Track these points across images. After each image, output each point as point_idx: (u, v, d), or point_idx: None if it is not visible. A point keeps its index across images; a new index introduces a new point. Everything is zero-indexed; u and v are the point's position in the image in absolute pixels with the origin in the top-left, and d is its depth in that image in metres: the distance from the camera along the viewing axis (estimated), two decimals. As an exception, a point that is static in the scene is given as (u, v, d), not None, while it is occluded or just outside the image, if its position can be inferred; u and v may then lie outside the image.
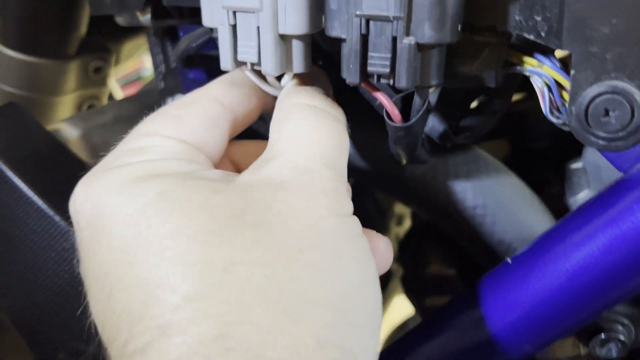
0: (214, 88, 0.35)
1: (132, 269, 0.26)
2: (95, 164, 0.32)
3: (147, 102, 0.54)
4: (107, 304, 0.26)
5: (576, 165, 0.45)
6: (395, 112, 0.32)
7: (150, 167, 0.29)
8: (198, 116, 0.33)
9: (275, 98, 0.37)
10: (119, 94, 0.74)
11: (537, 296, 0.32)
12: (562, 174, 0.47)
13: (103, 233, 0.27)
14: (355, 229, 0.28)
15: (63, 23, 0.56)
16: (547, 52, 0.35)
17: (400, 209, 0.66)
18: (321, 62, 0.38)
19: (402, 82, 0.30)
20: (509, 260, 0.33)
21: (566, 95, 0.34)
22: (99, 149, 0.50)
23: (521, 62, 0.34)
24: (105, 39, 0.61)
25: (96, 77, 0.61)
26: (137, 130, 0.33)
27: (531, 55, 0.34)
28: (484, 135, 0.42)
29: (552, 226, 0.33)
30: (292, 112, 0.32)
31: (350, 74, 0.31)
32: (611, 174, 0.41)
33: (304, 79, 0.35)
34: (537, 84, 0.34)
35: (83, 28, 0.57)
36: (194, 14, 0.46)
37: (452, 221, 0.43)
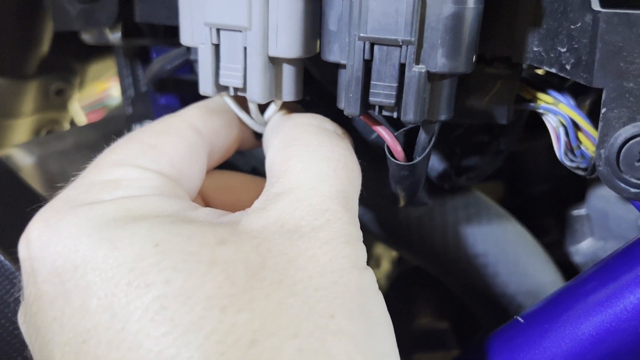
0: (191, 114, 0.30)
1: (124, 338, 0.21)
2: (51, 196, 0.26)
3: (112, 128, 0.49)
4: None
5: (579, 211, 0.42)
6: (397, 149, 0.29)
7: (129, 205, 0.24)
8: (175, 145, 0.28)
9: (254, 132, 0.33)
10: (82, 119, 0.69)
11: (555, 362, 0.28)
12: (561, 220, 0.44)
13: (76, 290, 0.22)
14: (375, 284, 0.24)
15: (22, 39, 0.51)
16: (561, 88, 0.32)
17: (380, 250, 0.62)
18: (309, 97, 0.33)
19: (410, 115, 0.26)
20: (521, 319, 0.29)
21: (582, 137, 0.31)
22: (56, 179, 0.45)
23: (534, 99, 0.31)
24: (69, 59, 0.56)
25: (57, 99, 0.56)
26: (105, 158, 0.28)
27: (544, 91, 0.31)
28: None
29: (570, 281, 0.30)
30: (302, 136, 0.28)
31: (349, 105, 0.27)
32: (621, 223, 0.38)
33: (288, 107, 0.31)
34: (552, 123, 0.31)
35: (45, 45, 0.52)
36: (169, 33, 0.42)
37: (448, 270, 0.39)
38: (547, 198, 0.45)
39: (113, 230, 0.23)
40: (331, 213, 0.25)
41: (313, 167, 0.26)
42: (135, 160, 0.27)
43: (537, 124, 0.38)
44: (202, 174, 0.30)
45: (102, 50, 0.57)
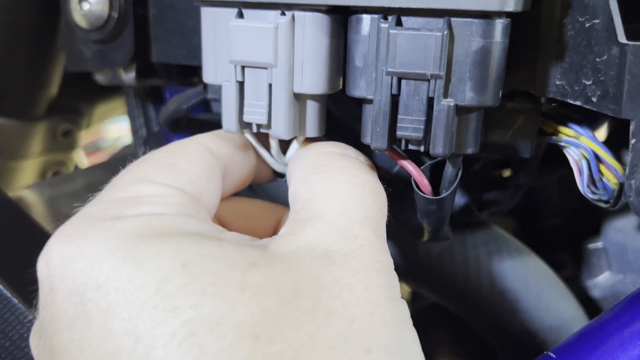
0: (204, 137, 0.30)
1: None
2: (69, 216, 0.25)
3: (121, 169, 0.49)
4: None
5: (595, 245, 0.42)
6: (425, 183, 0.28)
7: (154, 222, 0.23)
8: (192, 163, 0.28)
9: (269, 167, 0.33)
10: (84, 161, 0.68)
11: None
12: (577, 254, 0.44)
13: (98, 311, 0.21)
14: (409, 317, 0.23)
15: (32, 81, 0.51)
16: (581, 121, 0.32)
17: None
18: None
19: (439, 149, 0.26)
20: (552, 354, 0.29)
21: (604, 169, 0.31)
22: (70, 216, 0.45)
23: (556, 132, 0.31)
24: (77, 100, 0.56)
25: (64, 140, 0.56)
26: (123, 177, 0.27)
27: (565, 124, 0.31)
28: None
29: (602, 315, 0.29)
30: (325, 163, 0.27)
31: (377, 139, 0.27)
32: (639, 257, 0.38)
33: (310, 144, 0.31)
34: (574, 156, 0.31)
35: (54, 87, 0.52)
36: (183, 74, 0.42)
37: (470, 306, 0.39)
38: (562, 232, 0.45)
39: (138, 248, 0.22)
40: (362, 238, 0.24)
41: (338, 193, 0.25)
42: (154, 178, 0.26)
43: (549, 157, 0.39)
44: (219, 194, 0.29)
45: (109, 91, 0.57)
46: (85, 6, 0.38)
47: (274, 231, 0.33)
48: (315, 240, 0.23)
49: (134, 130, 0.46)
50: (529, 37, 0.29)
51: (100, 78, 0.42)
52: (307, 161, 0.28)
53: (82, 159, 0.68)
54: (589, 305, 0.43)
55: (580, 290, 0.44)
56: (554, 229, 0.45)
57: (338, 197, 0.25)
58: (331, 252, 0.23)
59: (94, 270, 0.22)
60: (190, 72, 0.42)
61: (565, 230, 0.45)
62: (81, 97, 0.57)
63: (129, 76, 0.41)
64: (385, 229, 0.26)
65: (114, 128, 1.14)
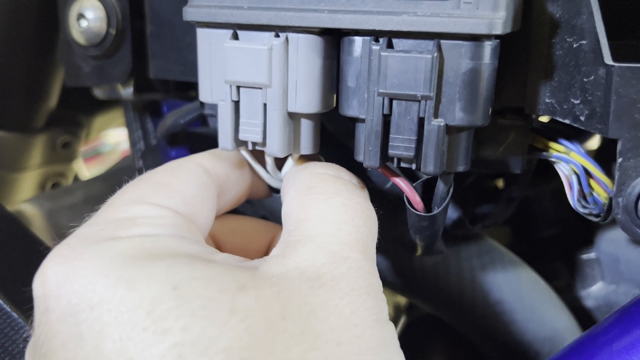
0: (199, 156, 0.30)
1: None
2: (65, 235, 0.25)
3: (119, 181, 0.49)
4: None
5: (588, 255, 0.42)
6: (417, 200, 0.29)
7: (147, 244, 0.24)
8: (187, 184, 0.28)
9: (265, 183, 0.34)
10: (84, 171, 0.69)
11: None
12: (571, 264, 0.44)
13: (91, 331, 0.21)
14: (396, 339, 0.24)
15: (31, 94, 0.51)
16: (571, 137, 0.32)
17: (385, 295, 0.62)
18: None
19: (430, 167, 0.27)
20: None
21: (594, 184, 0.32)
22: (67, 233, 0.45)
23: (546, 148, 0.32)
24: (76, 112, 0.57)
25: (64, 152, 0.57)
26: (119, 197, 0.27)
27: (555, 140, 0.32)
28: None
29: (592, 329, 0.30)
30: (319, 185, 0.28)
31: (369, 157, 0.28)
32: (633, 267, 0.38)
33: (305, 161, 0.32)
34: (564, 171, 0.32)
35: (53, 99, 0.53)
36: (181, 88, 0.43)
37: (465, 318, 0.39)
38: (556, 242, 0.46)
39: (131, 269, 0.22)
40: (352, 261, 0.24)
41: (330, 215, 0.26)
42: (149, 198, 0.27)
43: (543, 169, 0.39)
44: (213, 214, 0.30)
45: (108, 102, 0.57)
46: (83, 23, 0.39)
47: (268, 249, 0.34)
48: (306, 263, 0.24)
49: (132, 143, 0.46)
50: (519, 56, 0.29)
51: (99, 93, 0.43)
52: (301, 182, 0.28)
53: (82, 169, 0.69)
54: (583, 315, 0.44)
55: (575, 300, 0.44)
56: (548, 239, 0.46)
57: (330, 219, 0.26)
58: (320, 275, 0.23)
59: (88, 292, 0.22)
60: (188, 86, 0.43)
61: (559, 240, 0.45)
62: (80, 109, 0.57)
63: (127, 91, 0.42)
64: (375, 251, 0.26)
65: (113, 133, 1.15)
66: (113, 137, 1.17)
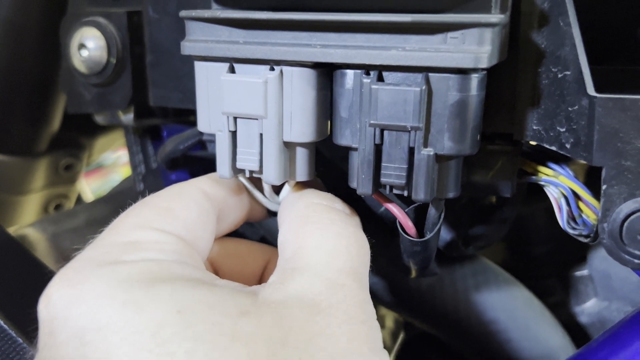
0: (200, 181, 0.31)
1: None
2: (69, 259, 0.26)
3: (121, 203, 0.50)
4: None
5: (581, 272, 0.43)
6: (409, 225, 0.30)
7: (152, 268, 0.25)
8: (188, 209, 0.29)
9: (264, 207, 0.34)
10: (88, 192, 0.70)
11: None
12: (564, 281, 0.45)
13: (96, 352, 0.22)
14: None
15: (34, 118, 0.52)
16: (560, 160, 0.33)
17: (384, 310, 0.63)
18: (322, 168, 0.35)
19: (420, 195, 0.28)
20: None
21: (583, 206, 0.33)
22: (70, 257, 0.46)
23: (536, 172, 0.33)
24: (78, 134, 0.58)
25: (66, 174, 0.58)
26: (122, 221, 0.28)
27: (544, 164, 0.33)
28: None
29: (582, 349, 0.31)
30: (314, 215, 0.29)
31: (362, 185, 0.28)
32: (625, 284, 0.39)
33: (302, 186, 0.33)
34: (553, 194, 0.33)
35: (56, 123, 0.54)
36: (179, 113, 0.44)
37: (461, 337, 0.40)
38: (550, 259, 0.46)
39: (136, 292, 0.23)
40: (347, 289, 0.25)
41: (326, 244, 0.27)
42: (153, 223, 0.27)
43: (536, 187, 0.40)
44: (212, 238, 0.30)
45: (110, 126, 0.58)
46: (85, 53, 0.40)
47: (263, 272, 0.34)
48: (304, 290, 0.25)
49: (133, 167, 0.47)
50: (508, 84, 0.30)
51: (100, 119, 0.44)
52: (297, 211, 0.29)
53: (85, 189, 0.70)
54: (578, 331, 0.44)
55: (569, 317, 0.45)
56: (542, 256, 0.46)
57: (325, 248, 0.27)
58: (318, 302, 0.24)
59: (94, 314, 0.23)
60: (187, 112, 0.44)
61: (553, 257, 0.46)
62: (82, 131, 0.58)
63: (127, 117, 0.43)
64: (368, 279, 0.27)
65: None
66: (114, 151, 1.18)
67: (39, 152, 0.55)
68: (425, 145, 0.27)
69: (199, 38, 0.30)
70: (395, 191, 0.29)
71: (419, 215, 0.31)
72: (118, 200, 0.51)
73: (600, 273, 0.41)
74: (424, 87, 0.26)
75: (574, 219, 0.33)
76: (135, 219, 0.28)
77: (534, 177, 0.32)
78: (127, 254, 0.26)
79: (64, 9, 0.42)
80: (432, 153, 0.27)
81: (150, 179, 0.46)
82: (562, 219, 0.33)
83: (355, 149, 0.29)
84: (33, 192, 0.56)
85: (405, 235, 0.30)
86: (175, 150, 0.39)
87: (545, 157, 0.33)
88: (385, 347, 0.25)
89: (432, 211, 0.30)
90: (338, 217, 0.28)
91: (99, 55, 0.40)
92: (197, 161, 0.43)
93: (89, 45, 0.40)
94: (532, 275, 0.46)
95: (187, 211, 0.29)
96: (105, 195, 0.54)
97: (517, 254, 0.47)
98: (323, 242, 0.27)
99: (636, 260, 0.27)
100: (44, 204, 0.58)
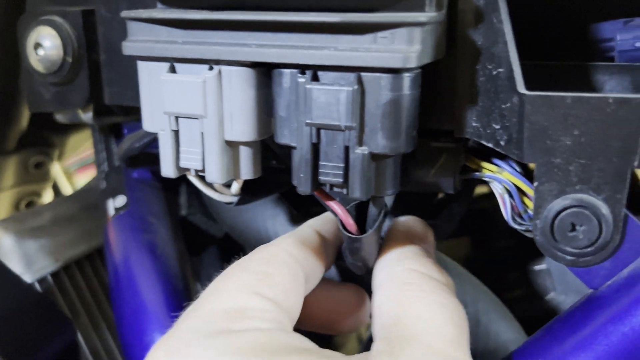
0: (287, 244, 0.31)
1: None
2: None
3: (87, 201, 0.50)
4: None
5: (540, 266, 0.43)
6: (350, 222, 0.30)
7: (263, 339, 0.24)
8: (284, 276, 0.28)
9: (334, 253, 0.34)
10: (66, 186, 0.70)
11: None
12: (525, 275, 0.45)
13: None
14: None
15: (2, 118, 0.53)
16: (506, 156, 0.33)
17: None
18: (274, 161, 0.36)
19: (356, 192, 0.28)
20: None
21: (528, 201, 0.33)
22: (34, 256, 0.46)
23: (479, 168, 0.33)
24: (48, 132, 0.58)
25: (37, 172, 0.58)
26: (223, 285, 0.28)
27: (489, 160, 0.33)
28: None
29: (528, 339, 0.31)
30: (414, 282, 0.28)
31: (301, 183, 0.29)
32: (577, 279, 0.39)
33: (404, 225, 0.33)
34: (498, 190, 0.33)
35: (24, 122, 0.54)
36: (139, 111, 0.44)
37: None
38: (512, 253, 0.47)
39: None
40: None
41: (430, 313, 0.26)
42: (255, 288, 0.27)
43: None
44: (302, 303, 0.30)
45: (79, 124, 0.58)
46: (41, 52, 0.40)
47: (354, 321, 0.35)
48: None
49: (97, 164, 0.48)
50: (446, 81, 0.30)
51: (60, 117, 0.44)
52: (397, 276, 0.29)
53: (63, 183, 0.70)
54: (539, 324, 0.45)
55: (530, 310, 0.45)
56: (504, 250, 0.47)
57: (430, 317, 0.26)
58: None
59: None
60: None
61: (515, 251, 0.46)
62: (52, 129, 0.59)
63: (87, 115, 0.43)
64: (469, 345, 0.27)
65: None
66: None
67: (7, 151, 0.55)
68: (360, 144, 0.27)
69: (139, 38, 0.30)
70: (335, 189, 0.29)
71: (360, 213, 0.31)
72: (85, 198, 0.51)
73: (557, 267, 0.41)
74: (355, 87, 0.26)
75: (519, 215, 0.33)
76: (236, 283, 0.28)
77: (477, 173, 0.33)
78: (235, 323, 0.25)
79: (24, 8, 0.42)
80: (366, 152, 0.27)
81: (112, 176, 0.46)
82: (507, 214, 0.33)
83: (295, 148, 0.29)
84: (3, 190, 0.56)
85: (345, 233, 0.30)
86: (131, 148, 0.40)
87: (490, 152, 0.33)
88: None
89: (372, 209, 0.30)
90: (438, 285, 0.28)
91: (55, 54, 0.40)
92: (157, 158, 0.43)
93: (44, 44, 0.40)
94: (495, 269, 0.46)
95: (283, 278, 0.28)
96: (72, 194, 0.54)
97: (479, 248, 0.47)
98: (427, 310, 0.26)
99: (568, 257, 0.27)
100: (15, 202, 0.58)
